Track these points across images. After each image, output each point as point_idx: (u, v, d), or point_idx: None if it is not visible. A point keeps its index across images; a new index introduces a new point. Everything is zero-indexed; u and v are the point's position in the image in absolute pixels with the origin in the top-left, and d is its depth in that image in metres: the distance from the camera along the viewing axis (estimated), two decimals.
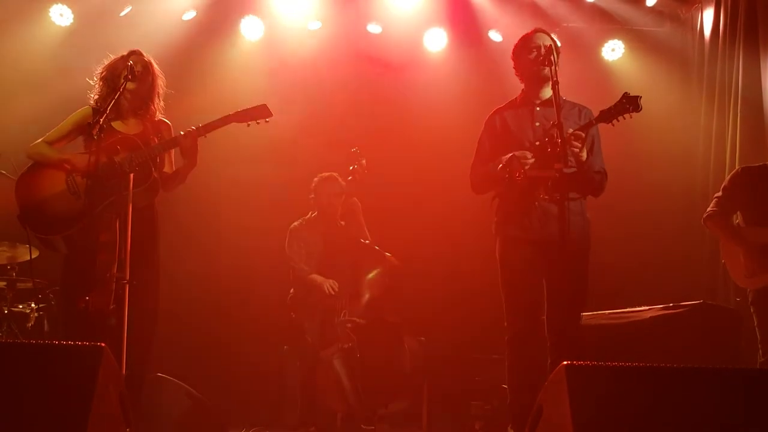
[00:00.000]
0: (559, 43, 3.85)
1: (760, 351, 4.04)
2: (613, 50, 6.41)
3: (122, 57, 3.79)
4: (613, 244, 5.63)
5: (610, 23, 6.42)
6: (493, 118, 3.91)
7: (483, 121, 3.95)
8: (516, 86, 3.96)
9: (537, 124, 3.77)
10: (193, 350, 5.65)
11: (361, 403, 4.63)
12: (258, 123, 3.75)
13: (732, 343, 4.26)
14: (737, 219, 4.34)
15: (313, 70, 6.23)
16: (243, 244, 5.93)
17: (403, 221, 5.88)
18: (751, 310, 4.14)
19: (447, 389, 5.46)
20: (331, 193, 5.20)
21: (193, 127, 3.69)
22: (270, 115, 3.74)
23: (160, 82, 3.86)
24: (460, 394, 5.39)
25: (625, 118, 3.51)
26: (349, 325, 4.81)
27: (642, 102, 3.46)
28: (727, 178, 4.49)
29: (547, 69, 3.60)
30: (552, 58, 3.56)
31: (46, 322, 5.13)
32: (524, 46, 3.81)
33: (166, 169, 3.87)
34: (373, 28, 6.39)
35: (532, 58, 3.73)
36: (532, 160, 3.56)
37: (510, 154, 3.58)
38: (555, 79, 3.47)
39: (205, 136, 3.71)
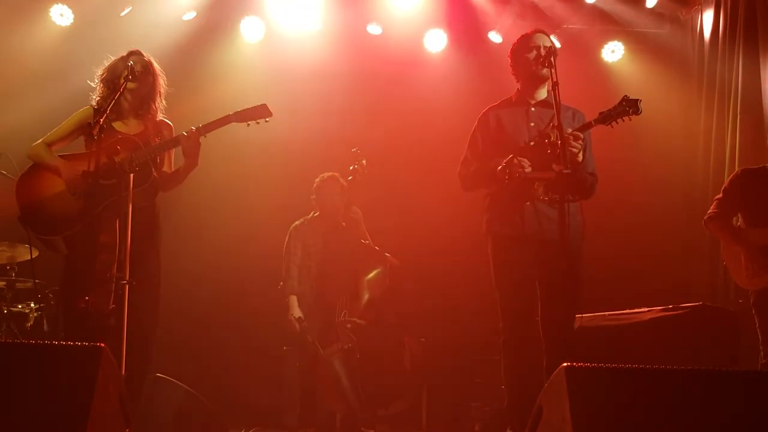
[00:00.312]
0: (558, 45, 3.85)
1: (762, 353, 4.04)
2: (613, 52, 6.41)
3: (122, 58, 3.79)
4: (613, 245, 5.64)
5: (610, 25, 6.42)
6: (487, 115, 3.90)
7: None
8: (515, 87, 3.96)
9: (532, 124, 3.77)
10: (192, 351, 5.65)
11: (360, 404, 4.63)
12: (258, 123, 3.75)
13: (731, 345, 4.26)
14: (738, 220, 4.35)
15: (314, 71, 6.23)
16: (243, 244, 5.93)
17: (403, 221, 5.89)
18: (753, 312, 4.14)
19: (447, 390, 5.46)
20: (333, 192, 5.21)
21: (194, 128, 3.69)
22: (270, 114, 3.75)
23: (161, 81, 3.86)
24: (460, 395, 5.39)
25: (624, 121, 3.52)
26: (349, 325, 4.81)
27: (641, 105, 3.46)
28: (728, 180, 4.49)
29: (546, 70, 3.61)
30: (551, 60, 3.56)
31: (45, 322, 5.13)
32: (524, 46, 3.81)
33: (165, 168, 3.88)
34: (373, 29, 6.39)
35: (532, 58, 3.73)
36: (530, 169, 3.56)
37: (510, 156, 3.58)
38: (555, 80, 3.47)
39: (205, 136, 3.71)
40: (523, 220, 3.64)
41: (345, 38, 6.31)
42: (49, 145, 3.76)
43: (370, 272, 4.96)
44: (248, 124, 3.74)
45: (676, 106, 6.11)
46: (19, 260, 5.02)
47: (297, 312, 5.11)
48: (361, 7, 6.29)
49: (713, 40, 5.91)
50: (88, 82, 3.86)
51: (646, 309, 4.48)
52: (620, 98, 3.52)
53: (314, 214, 5.37)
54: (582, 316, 4.49)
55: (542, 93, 3.85)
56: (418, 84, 6.34)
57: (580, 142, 3.50)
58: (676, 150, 6.11)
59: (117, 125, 3.76)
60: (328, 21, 6.25)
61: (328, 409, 4.89)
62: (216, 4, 6.18)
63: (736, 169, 4.87)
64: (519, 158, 3.58)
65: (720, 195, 4.38)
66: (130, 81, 3.65)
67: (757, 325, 4.11)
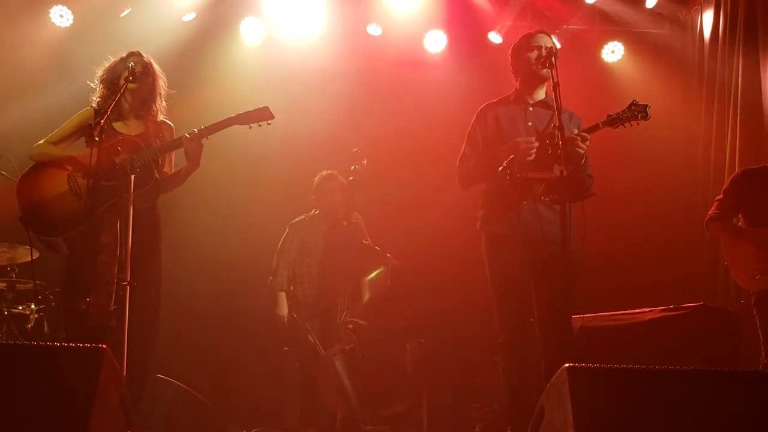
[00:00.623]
0: (558, 45, 3.85)
1: (763, 353, 4.04)
2: (613, 52, 6.41)
3: (122, 59, 3.79)
4: (613, 245, 5.64)
5: (610, 25, 6.43)
6: (485, 111, 3.89)
7: None
8: None
9: (530, 123, 3.77)
10: (193, 351, 5.65)
11: (361, 404, 4.63)
12: (259, 125, 3.76)
13: (732, 345, 4.26)
14: (738, 221, 4.34)
15: (314, 72, 6.23)
16: (244, 245, 5.93)
17: (404, 221, 5.88)
18: (754, 312, 4.13)
19: (447, 390, 5.45)
20: (333, 189, 5.22)
21: (196, 130, 3.69)
22: (272, 117, 3.75)
23: (161, 82, 3.87)
24: (461, 396, 5.39)
25: (631, 125, 3.52)
26: (350, 326, 4.81)
27: (650, 111, 3.47)
28: (728, 180, 4.49)
29: (546, 70, 3.61)
30: (552, 60, 3.56)
31: (46, 323, 5.13)
32: (525, 45, 3.81)
33: (166, 169, 3.88)
34: (374, 30, 6.39)
35: (533, 58, 3.72)
36: (537, 144, 3.55)
37: (511, 156, 3.57)
38: (555, 80, 3.47)
39: (207, 138, 3.72)
40: (520, 220, 3.62)
41: (345, 39, 6.31)
42: (51, 145, 3.76)
43: (371, 272, 4.96)
44: (250, 127, 3.75)
45: (676, 107, 6.10)
46: (19, 261, 5.02)
47: (284, 310, 5.17)
48: (362, 8, 6.30)
49: (713, 40, 5.91)
50: (89, 83, 3.86)
51: (647, 309, 4.48)
52: (629, 102, 3.52)
53: (314, 212, 5.38)
54: (582, 317, 4.49)
55: (540, 93, 3.85)
56: (419, 84, 6.34)
57: (587, 143, 3.50)
58: (676, 150, 6.11)
59: (118, 126, 3.76)
60: (328, 22, 6.24)
61: (329, 409, 4.88)
62: (216, 5, 6.17)
63: (737, 169, 4.87)
64: (524, 139, 3.56)
65: (720, 196, 4.38)
66: (130, 82, 3.65)
67: (758, 326, 4.11)
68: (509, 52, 3.93)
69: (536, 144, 3.55)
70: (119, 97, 3.62)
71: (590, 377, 2.08)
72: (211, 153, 3.86)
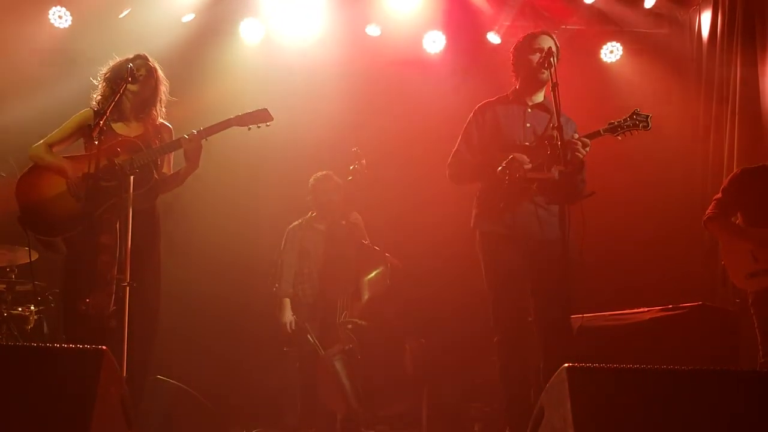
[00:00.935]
0: (558, 46, 3.85)
1: (761, 352, 4.04)
2: (611, 52, 6.41)
3: (127, 59, 3.80)
4: (612, 245, 5.64)
5: (609, 25, 6.42)
6: (483, 110, 3.89)
7: None
8: None
9: (528, 125, 3.78)
10: (192, 351, 5.64)
11: (361, 405, 4.63)
12: (258, 127, 3.76)
13: (731, 345, 4.26)
14: (736, 220, 4.35)
15: (313, 72, 6.23)
16: (244, 245, 5.93)
17: (403, 221, 5.89)
18: (751, 312, 4.14)
19: (447, 390, 5.45)
20: (328, 189, 5.23)
21: (195, 131, 3.70)
22: (271, 119, 3.76)
23: (164, 88, 3.88)
24: (460, 396, 5.39)
25: (632, 134, 3.54)
26: (349, 326, 4.81)
27: (651, 120, 3.50)
28: (726, 180, 4.49)
29: (546, 73, 3.61)
30: (551, 60, 3.56)
31: (45, 324, 5.12)
32: (527, 46, 3.80)
33: (165, 170, 3.89)
34: (373, 30, 6.39)
35: (534, 60, 3.71)
36: (530, 166, 3.57)
37: (510, 156, 3.58)
38: (555, 81, 3.47)
39: (206, 139, 3.73)
40: (515, 219, 3.63)
41: (344, 39, 6.31)
42: (49, 146, 3.77)
43: (371, 272, 4.97)
44: (249, 128, 3.76)
45: (674, 106, 6.10)
46: (19, 263, 5.01)
47: (289, 316, 5.14)
48: (360, 9, 6.29)
49: (711, 40, 5.91)
50: (91, 80, 3.86)
51: (646, 309, 4.48)
52: (628, 105, 3.56)
53: (311, 214, 5.38)
54: (582, 316, 4.49)
55: (539, 96, 3.85)
56: (418, 85, 6.34)
57: (587, 149, 3.51)
58: (674, 150, 6.11)
59: (117, 127, 3.77)
60: (327, 22, 6.24)
61: (329, 409, 4.89)
62: (215, 6, 6.17)
63: (735, 168, 4.88)
64: (520, 156, 3.57)
65: (719, 195, 4.39)
66: (130, 83, 3.66)
67: (755, 325, 4.12)
68: (511, 51, 3.92)
69: (529, 165, 3.55)
70: (119, 98, 3.63)
71: (590, 377, 2.08)
72: (209, 153, 3.86)
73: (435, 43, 6.38)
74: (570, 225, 3.53)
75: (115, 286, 3.44)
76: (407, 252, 5.35)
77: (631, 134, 3.55)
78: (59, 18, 5.94)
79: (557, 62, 3.62)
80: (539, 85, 3.78)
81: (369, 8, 6.30)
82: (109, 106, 3.51)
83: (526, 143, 3.67)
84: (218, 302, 5.97)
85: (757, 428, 2.07)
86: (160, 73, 3.86)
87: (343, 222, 5.14)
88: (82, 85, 3.93)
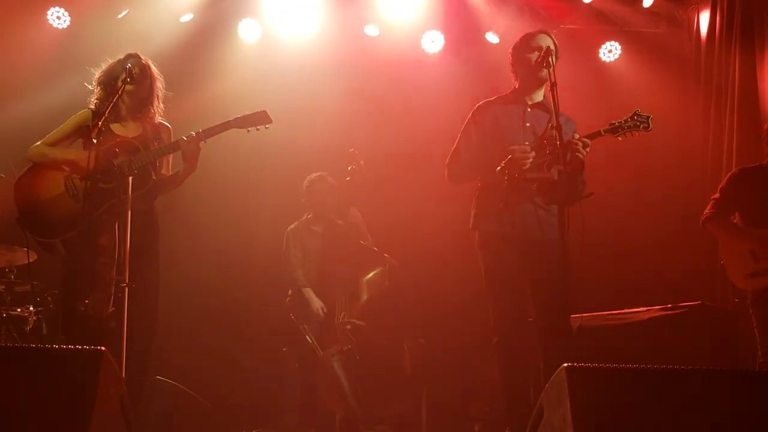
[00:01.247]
0: (557, 45, 3.85)
1: (760, 352, 4.04)
2: (610, 51, 6.41)
3: (119, 60, 3.79)
4: (612, 244, 5.64)
5: (607, 24, 6.43)
6: (483, 109, 3.88)
7: None
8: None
9: (528, 124, 3.77)
10: (192, 352, 5.64)
11: (360, 405, 4.63)
12: (258, 129, 3.76)
13: (730, 344, 4.27)
14: (734, 220, 4.35)
15: (311, 73, 6.23)
16: (243, 246, 5.94)
17: (401, 222, 5.89)
18: (750, 311, 4.14)
19: (446, 390, 5.46)
20: (323, 191, 5.24)
21: (194, 133, 3.70)
22: (270, 121, 3.76)
23: (159, 84, 3.87)
24: (460, 396, 5.39)
25: (633, 135, 3.54)
26: (348, 326, 4.82)
27: (652, 121, 3.50)
28: (724, 179, 4.49)
29: (545, 72, 3.60)
30: (550, 60, 3.56)
31: (44, 325, 5.11)
32: (526, 45, 3.79)
33: (164, 171, 3.88)
34: (371, 31, 6.39)
35: (533, 60, 3.71)
36: (533, 154, 3.56)
37: (509, 157, 3.57)
38: (553, 80, 3.47)
39: (205, 141, 3.72)
40: (514, 219, 3.62)
41: (342, 40, 6.31)
42: (48, 147, 3.76)
43: (369, 273, 4.97)
44: (248, 130, 3.76)
45: (673, 106, 6.10)
46: (17, 264, 5.00)
47: (318, 302, 5.11)
48: (359, 9, 6.30)
49: (710, 39, 5.92)
50: (86, 84, 3.86)
51: (645, 308, 4.48)
52: (628, 105, 3.56)
53: (307, 216, 5.38)
54: (582, 316, 4.50)
55: (539, 95, 3.84)
56: (416, 85, 6.34)
57: (587, 149, 3.51)
58: (673, 149, 6.11)
59: (115, 128, 3.76)
60: (326, 23, 6.24)
61: (328, 410, 4.89)
62: (213, 6, 6.17)
63: (734, 167, 4.88)
64: (520, 147, 3.57)
65: (717, 195, 4.39)
66: (128, 84, 3.65)
67: (754, 325, 4.12)
68: (510, 50, 3.92)
69: (532, 154, 3.55)
70: (117, 99, 3.62)
71: (589, 377, 2.08)
72: (208, 154, 3.86)
73: (434, 42, 6.38)
74: (569, 225, 3.53)
75: (114, 287, 3.43)
76: (406, 252, 5.35)
77: (632, 135, 3.55)
78: (58, 19, 5.94)
79: (556, 61, 3.62)
80: (538, 84, 3.78)
81: (367, 9, 6.30)
82: (108, 106, 3.50)
83: (526, 143, 3.67)
84: (218, 302, 5.97)
85: (756, 428, 2.06)
86: (154, 69, 3.85)
87: (340, 222, 5.14)
88: (80, 86, 3.92)
